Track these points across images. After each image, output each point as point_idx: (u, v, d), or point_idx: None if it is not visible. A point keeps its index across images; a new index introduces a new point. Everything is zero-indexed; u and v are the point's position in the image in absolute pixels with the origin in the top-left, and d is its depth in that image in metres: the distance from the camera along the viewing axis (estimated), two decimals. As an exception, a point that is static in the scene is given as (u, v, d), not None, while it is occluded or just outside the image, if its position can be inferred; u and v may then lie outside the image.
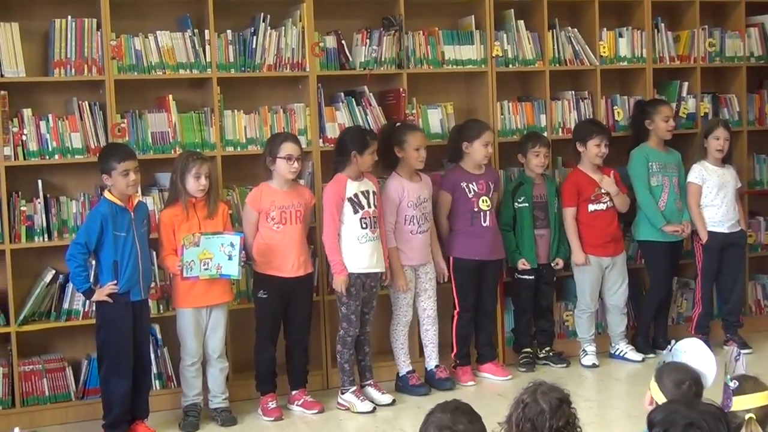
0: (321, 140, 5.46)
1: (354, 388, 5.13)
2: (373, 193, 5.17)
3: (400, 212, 5.28)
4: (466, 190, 5.50)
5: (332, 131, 5.46)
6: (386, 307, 5.50)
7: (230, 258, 4.73)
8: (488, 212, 5.46)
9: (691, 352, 3.08)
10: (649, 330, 5.94)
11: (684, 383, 3.00)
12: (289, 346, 5.15)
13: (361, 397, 5.11)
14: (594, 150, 5.67)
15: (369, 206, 5.09)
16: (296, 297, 5.05)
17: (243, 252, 4.75)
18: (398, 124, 5.34)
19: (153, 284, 5.05)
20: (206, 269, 4.75)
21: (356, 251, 5.09)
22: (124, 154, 4.65)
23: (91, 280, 4.68)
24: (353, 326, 5.12)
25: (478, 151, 5.45)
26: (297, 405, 5.17)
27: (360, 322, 5.17)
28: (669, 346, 3.16)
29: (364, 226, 5.07)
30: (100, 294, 4.58)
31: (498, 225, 5.61)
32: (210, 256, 4.73)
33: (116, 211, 4.61)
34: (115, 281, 4.61)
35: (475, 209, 5.46)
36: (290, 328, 5.11)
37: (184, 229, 4.86)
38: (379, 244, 5.15)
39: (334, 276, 5.05)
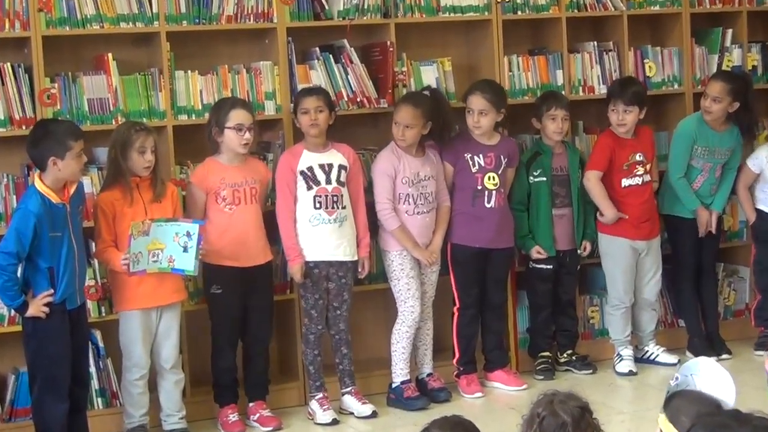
0: (292, 105, 5.38)
1: (320, 395, 5.17)
2: (341, 167, 5.17)
3: (395, 189, 5.29)
4: (470, 163, 5.47)
5: None
6: (381, 304, 5.54)
7: (185, 250, 4.74)
8: (494, 192, 5.45)
9: (704, 374, 2.95)
10: (701, 326, 5.91)
11: None
12: (246, 348, 5.13)
13: (325, 407, 5.16)
14: (612, 117, 5.68)
15: (328, 182, 5.12)
16: (255, 290, 5.06)
17: (202, 243, 4.75)
18: (427, 91, 5.38)
19: (93, 282, 5.03)
20: (155, 261, 4.75)
21: (308, 235, 5.12)
22: (78, 130, 4.59)
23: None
24: (314, 323, 5.15)
25: (467, 120, 5.41)
26: (253, 420, 5.16)
27: (330, 319, 5.20)
28: (675, 373, 3.02)
29: (317, 205, 5.10)
30: (36, 308, 4.52)
31: (509, 204, 5.60)
32: (161, 246, 4.73)
33: (50, 207, 4.51)
34: (51, 291, 4.55)
35: (478, 187, 5.45)
36: (248, 327, 5.09)
37: (127, 216, 4.82)
38: (346, 228, 5.16)
39: (288, 263, 5.10)
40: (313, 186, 5.14)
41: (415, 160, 5.34)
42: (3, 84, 4.95)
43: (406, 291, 5.31)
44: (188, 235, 4.76)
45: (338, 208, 5.15)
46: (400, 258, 5.34)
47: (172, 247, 4.75)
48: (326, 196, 5.14)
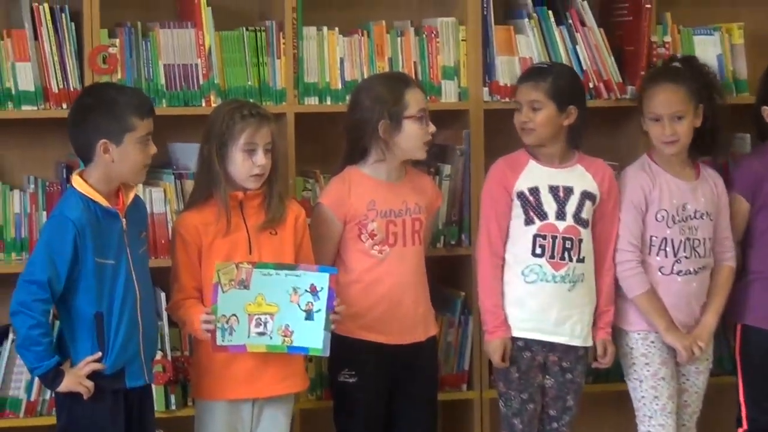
0: (487, 89, 4.85)
1: None
2: (585, 195, 4.61)
3: (645, 228, 4.69)
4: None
5: (508, 72, 4.87)
6: (615, 416, 5.07)
7: (310, 316, 4.26)
8: None
9: None
10: None
11: None
12: None
13: None
14: None
15: (561, 217, 4.59)
16: (410, 381, 4.57)
17: (336, 300, 4.26)
18: (677, 62, 4.83)
19: (159, 355, 4.50)
20: (262, 334, 4.26)
21: (519, 296, 4.62)
22: (146, 103, 4.23)
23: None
24: None
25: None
26: None
27: None
28: None
29: (538, 251, 4.58)
30: (75, 380, 4.01)
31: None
32: (271, 309, 4.25)
33: (98, 215, 4.06)
34: (99, 353, 4.06)
35: (797, 233, 4.89)
36: None
37: (221, 250, 4.31)
38: (581, 293, 4.63)
39: (484, 336, 4.66)
40: (536, 219, 4.56)
41: (683, 184, 4.66)
42: (36, 37, 4.53)
43: (652, 400, 4.62)
44: (314, 292, 4.26)
45: (572, 259, 4.56)
46: (644, 344, 4.66)
47: (288, 310, 4.26)
48: (554, 238, 4.57)
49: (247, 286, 4.22)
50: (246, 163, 4.23)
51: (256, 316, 4.25)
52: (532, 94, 4.51)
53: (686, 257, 4.61)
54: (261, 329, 4.26)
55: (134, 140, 4.05)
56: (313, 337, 4.27)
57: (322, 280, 4.25)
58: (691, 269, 4.62)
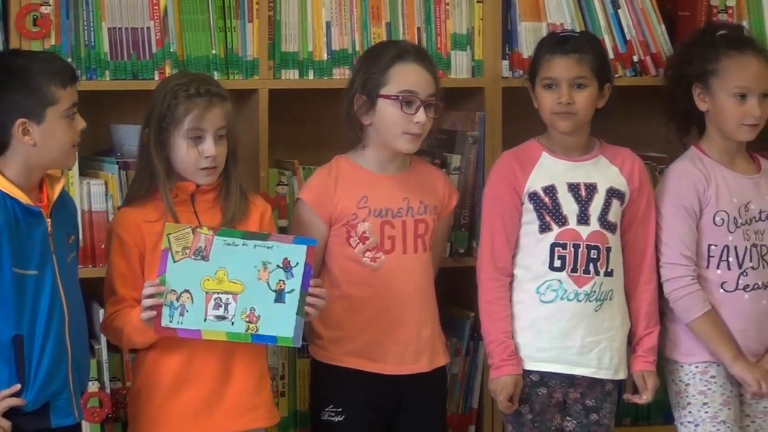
0: (507, 62, 4.55)
1: None
2: (612, 192, 4.29)
3: (701, 236, 4.34)
4: None
5: (533, 41, 4.44)
6: None
7: (280, 297, 3.99)
8: None
9: None
10: None
11: None
12: None
13: None
14: None
15: (583, 221, 4.29)
16: (411, 422, 4.26)
17: (314, 280, 4.02)
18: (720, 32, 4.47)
19: (94, 386, 4.21)
20: (221, 317, 3.97)
21: (533, 320, 4.32)
22: (67, 69, 3.92)
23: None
24: None
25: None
26: None
27: None
28: None
29: (557, 264, 4.28)
30: None
31: None
32: (234, 288, 3.97)
33: (17, 215, 3.78)
34: (17, 386, 3.77)
35: None
36: None
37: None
38: (610, 313, 4.30)
39: (490, 371, 4.39)
40: (553, 225, 4.24)
41: (743, 180, 4.34)
42: (-53, -7, 4.43)
43: None
44: (287, 267, 3.97)
45: (598, 273, 4.23)
46: (703, 379, 4.34)
47: (254, 290, 3.95)
48: (577, 247, 4.25)
49: (205, 257, 3.91)
50: (191, 153, 3.91)
51: (216, 295, 3.91)
52: (577, 70, 4.14)
53: (753, 268, 4.23)
54: (221, 312, 3.92)
55: (58, 115, 3.71)
56: (283, 324, 3.93)
57: (298, 253, 3.95)
58: (760, 283, 4.24)
